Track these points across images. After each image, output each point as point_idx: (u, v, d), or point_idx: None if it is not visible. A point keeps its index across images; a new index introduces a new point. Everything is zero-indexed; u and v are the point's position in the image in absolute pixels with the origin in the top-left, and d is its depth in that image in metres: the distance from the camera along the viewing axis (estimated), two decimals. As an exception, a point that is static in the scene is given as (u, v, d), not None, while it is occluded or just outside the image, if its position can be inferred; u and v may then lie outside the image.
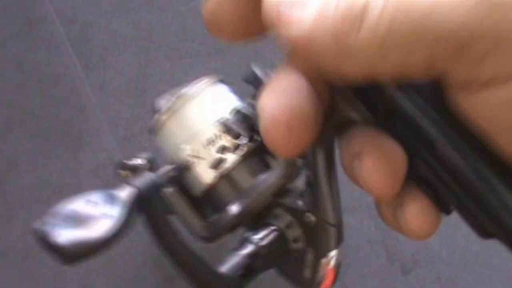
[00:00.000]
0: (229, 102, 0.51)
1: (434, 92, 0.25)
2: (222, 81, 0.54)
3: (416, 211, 0.26)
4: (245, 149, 0.48)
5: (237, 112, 0.49)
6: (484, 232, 0.25)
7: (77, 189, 1.34)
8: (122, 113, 1.37)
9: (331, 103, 0.28)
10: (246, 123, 0.47)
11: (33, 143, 1.34)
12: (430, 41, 0.21)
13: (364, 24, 0.22)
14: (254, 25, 0.28)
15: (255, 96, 0.51)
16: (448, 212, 0.27)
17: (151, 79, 1.41)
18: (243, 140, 0.47)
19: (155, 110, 0.52)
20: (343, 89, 0.27)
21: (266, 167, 0.47)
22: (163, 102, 0.51)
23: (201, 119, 0.50)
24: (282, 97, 0.26)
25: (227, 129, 0.47)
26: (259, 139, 0.47)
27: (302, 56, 0.25)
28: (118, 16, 1.52)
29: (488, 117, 0.22)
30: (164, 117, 0.50)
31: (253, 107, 0.49)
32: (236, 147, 0.48)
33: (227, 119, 0.47)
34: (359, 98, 0.26)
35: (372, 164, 0.26)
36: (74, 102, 1.40)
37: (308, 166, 0.32)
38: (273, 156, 0.47)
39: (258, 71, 0.51)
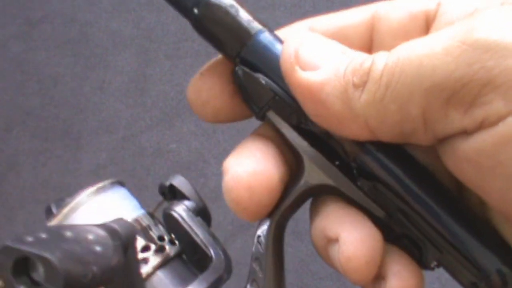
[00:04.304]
0: (130, 208, 0.45)
1: (405, 151, 0.26)
2: (120, 183, 0.47)
3: (399, 283, 0.25)
4: (167, 252, 0.42)
5: (151, 214, 0.44)
6: (469, 283, 0.25)
7: (77, 189, 1.33)
8: (122, 113, 1.37)
9: (298, 172, 0.27)
10: (162, 226, 0.43)
11: (33, 143, 1.34)
12: (424, 91, 0.22)
13: (369, 78, 0.23)
14: (238, 105, 0.28)
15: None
16: (431, 268, 0.27)
17: (151, 79, 1.42)
18: (165, 243, 0.42)
19: (47, 215, 0.46)
20: (314, 153, 0.26)
21: (192, 275, 0.42)
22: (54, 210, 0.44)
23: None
24: (246, 159, 0.27)
25: (146, 227, 0.42)
26: (178, 243, 0.43)
27: (307, 106, 0.25)
28: (118, 16, 1.53)
29: (480, 164, 0.23)
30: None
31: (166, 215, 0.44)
32: (159, 249, 0.42)
33: (143, 219, 0.43)
34: (331, 160, 0.26)
35: (352, 252, 0.25)
36: (74, 102, 1.40)
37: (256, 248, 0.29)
38: (197, 268, 0.42)
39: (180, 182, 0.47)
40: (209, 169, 1.28)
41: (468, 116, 0.22)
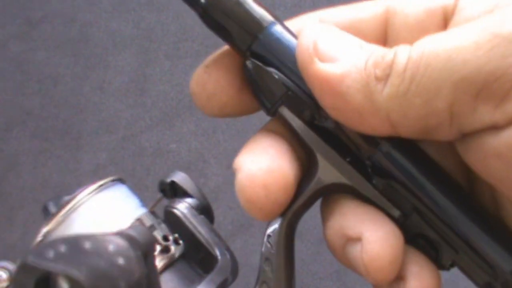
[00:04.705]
0: (132, 206, 0.43)
1: (420, 149, 0.25)
2: (121, 180, 0.45)
3: (419, 284, 0.25)
4: (173, 252, 0.40)
5: (153, 212, 0.42)
6: (483, 283, 0.25)
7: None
8: (122, 113, 1.37)
9: (311, 169, 0.26)
10: (165, 225, 0.42)
11: (33, 143, 1.34)
12: (452, 85, 0.22)
13: (392, 71, 0.23)
14: (245, 99, 0.27)
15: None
16: (446, 268, 0.26)
17: (151, 79, 1.41)
18: (170, 243, 0.41)
19: (45, 214, 0.43)
20: (328, 150, 0.25)
21: (197, 276, 0.40)
22: (52, 209, 0.42)
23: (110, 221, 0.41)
24: (259, 157, 0.25)
25: (150, 228, 0.40)
26: (182, 243, 0.41)
27: (325, 99, 0.24)
28: (118, 16, 1.52)
29: (511, 159, 0.22)
30: (49, 227, 0.42)
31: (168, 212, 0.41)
32: (164, 250, 0.40)
33: (146, 218, 0.40)
34: (345, 158, 0.25)
35: (376, 251, 0.24)
36: (74, 102, 1.40)
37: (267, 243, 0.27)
38: (202, 270, 0.40)
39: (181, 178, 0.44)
40: (209, 169, 1.28)
41: (500, 111, 0.22)
